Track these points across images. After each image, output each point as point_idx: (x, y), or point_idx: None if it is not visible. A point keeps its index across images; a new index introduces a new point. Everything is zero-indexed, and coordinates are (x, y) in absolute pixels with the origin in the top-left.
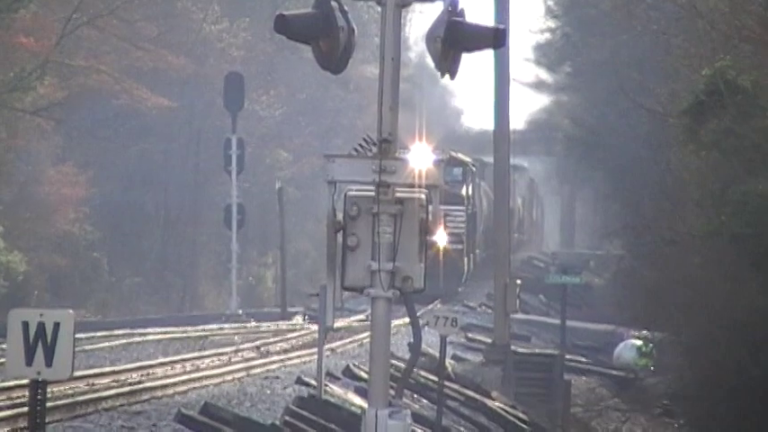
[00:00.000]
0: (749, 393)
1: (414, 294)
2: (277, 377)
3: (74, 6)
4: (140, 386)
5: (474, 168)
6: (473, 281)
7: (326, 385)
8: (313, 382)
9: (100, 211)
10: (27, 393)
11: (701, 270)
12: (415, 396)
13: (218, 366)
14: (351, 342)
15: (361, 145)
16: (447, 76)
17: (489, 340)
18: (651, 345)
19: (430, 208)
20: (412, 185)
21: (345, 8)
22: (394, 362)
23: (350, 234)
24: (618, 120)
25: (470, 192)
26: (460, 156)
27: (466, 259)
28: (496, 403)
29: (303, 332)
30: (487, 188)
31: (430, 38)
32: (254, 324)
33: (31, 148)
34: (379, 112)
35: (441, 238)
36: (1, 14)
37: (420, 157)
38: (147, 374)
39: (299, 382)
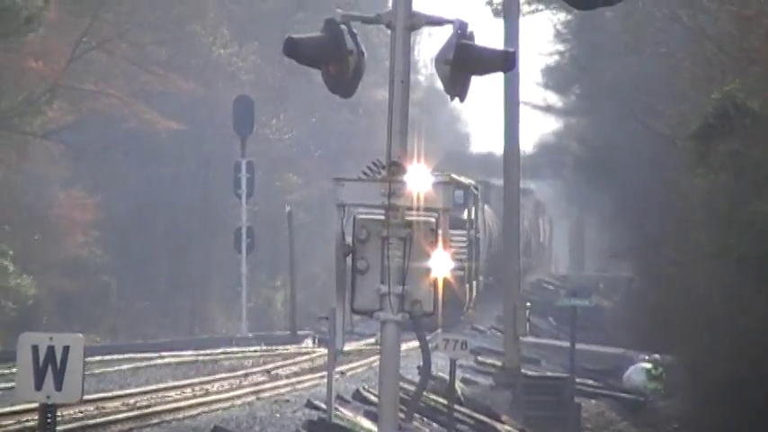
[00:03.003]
0: (756, 413)
1: (423, 318)
2: (287, 401)
3: (83, 30)
4: (150, 410)
5: (476, 191)
6: (481, 304)
7: (336, 409)
8: (323, 406)
9: (109, 235)
10: (37, 417)
11: (708, 291)
12: (425, 419)
13: (228, 390)
14: (360, 365)
15: (370, 168)
16: (456, 99)
17: (499, 363)
18: (661, 368)
19: (439, 232)
20: (420, 208)
21: (355, 31)
22: (404, 385)
23: (359, 257)
24: (626, 142)
25: (473, 216)
26: (462, 178)
27: (467, 286)
28: (506, 427)
29: (313, 355)
30: (492, 212)
31: (439, 61)
32: (263, 347)
33: (41, 172)
34: (389, 135)
35: (440, 263)
36: (10, 38)
37: (419, 179)
38: (157, 398)
39: (309, 405)
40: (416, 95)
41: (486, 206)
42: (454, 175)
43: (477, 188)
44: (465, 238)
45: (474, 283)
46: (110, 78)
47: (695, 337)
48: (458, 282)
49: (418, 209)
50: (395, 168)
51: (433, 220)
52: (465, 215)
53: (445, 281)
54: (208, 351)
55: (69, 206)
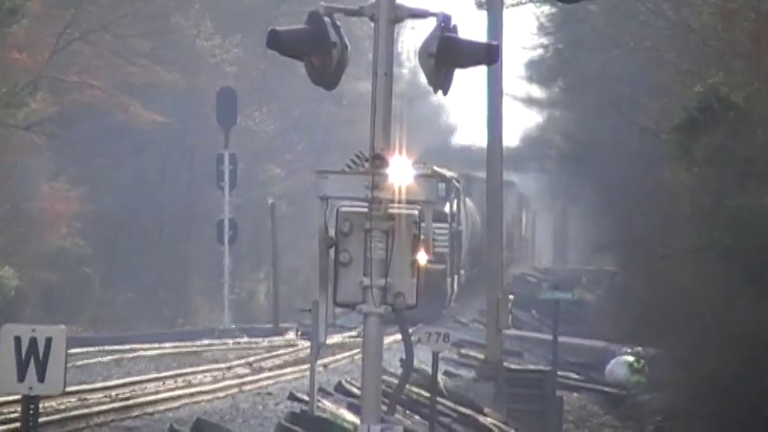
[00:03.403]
0: (742, 407)
1: (406, 311)
2: (270, 393)
3: (67, 22)
4: (132, 402)
5: (458, 184)
6: (464, 297)
7: (319, 401)
8: (305, 398)
9: (92, 227)
10: (19, 409)
11: (693, 284)
12: (407, 412)
13: (211, 382)
14: (343, 358)
15: (353, 161)
16: (440, 91)
17: (482, 356)
18: (643, 361)
19: (422, 225)
20: (403, 201)
21: (338, 24)
22: (386, 378)
23: (342, 250)
24: (610, 136)
25: (454, 209)
26: (444, 171)
27: (449, 280)
28: (489, 419)
29: (296, 348)
30: (473, 205)
31: (422, 54)
32: (246, 340)
33: (24, 164)
34: (372, 128)
35: (421, 256)
36: None
37: (400, 172)
38: (139, 390)
39: (292, 398)
40: (399, 87)
41: (467, 199)
42: (436, 168)
43: (458, 181)
44: (447, 232)
45: (456, 276)
46: (93, 70)
47: (679, 331)
48: (440, 275)
49: (401, 201)
50: (378, 161)
51: (416, 212)
52: (447, 208)
53: (427, 273)
54: (190, 343)
55: (53, 198)
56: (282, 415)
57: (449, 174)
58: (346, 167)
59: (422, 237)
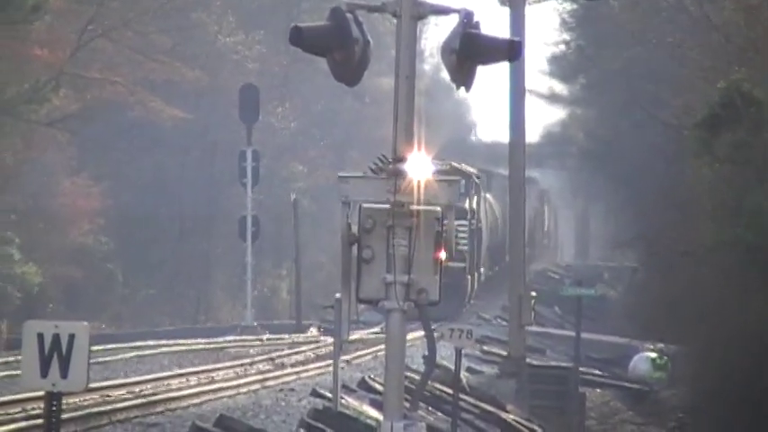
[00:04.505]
0: (764, 403)
1: (429, 307)
2: (292, 389)
3: (88, 19)
4: (155, 398)
5: (478, 180)
6: (485, 294)
7: (342, 397)
8: (328, 395)
9: (114, 223)
10: (42, 405)
11: (714, 281)
12: (430, 408)
13: (233, 378)
14: (366, 354)
15: (375, 164)
16: (462, 88)
17: (504, 353)
18: (666, 357)
19: (445, 222)
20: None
21: (360, 20)
22: (409, 374)
23: (365, 247)
24: (632, 132)
25: (474, 205)
26: (463, 166)
27: (469, 278)
28: (511, 416)
29: (318, 344)
30: (494, 201)
31: (445, 50)
32: (268, 336)
33: (46, 160)
34: (395, 131)
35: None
36: (16, 26)
37: (418, 168)
38: (162, 386)
39: (314, 394)
40: (422, 83)
41: (488, 195)
42: (455, 164)
43: (478, 177)
44: (466, 229)
45: (475, 274)
46: (115, 66)
47: (699, 327)
48: (459, 272)
49: (421, 204)
50: (400, 166)
51: (438, 209)
52: (466, 205)
53: (447, 270)
54: (212, 339)
55: (74, 194)
56: (305, 411)
57: (468, 170)
58: (369, 170)
59: (444, 235)
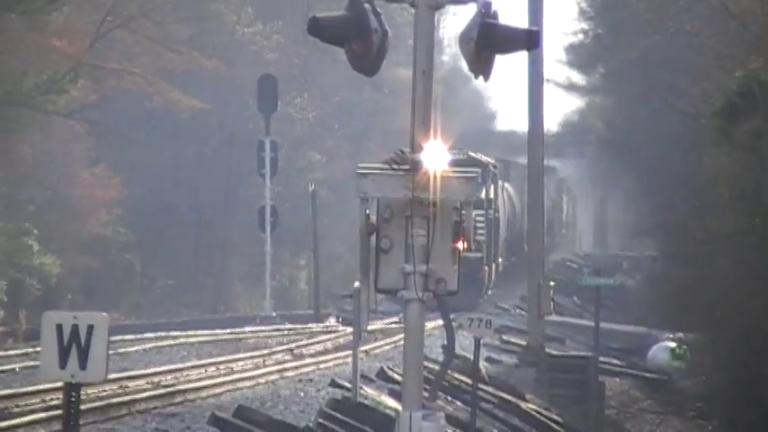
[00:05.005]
0: None
1: (447, 297)
2: (311, 380)
3: (107, 9)
4: (174, 389)
5: (495, 169)
6: (504, 283)
7: (361, 388)
8: (347, 385)
9: (133, 214)
10: (61, 396)
11: (732, 270)
12: (449, 398)
13: (252, 369)
14: (384, 344)
15: (393, 160)
16: (480, 77)
17: (523, 342)
18: (685, 347)
19: (463, 213)
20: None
21: (378, 10)
22: (428, 364)
23: (383, 236)
24: (650, 121)
25: (491, 195)
26: (480, 156)
27: (486, 269)
28: (530, 405)
29: (337, 334)
30: (511, 190)
31: (463, 40)
32: (287, 326)
33: (65, 151)
34: (412, 127)
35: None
36: (34, 17)
37: (435, 157)
38: (181, 377)
39: (333, 384)
40: (440, 73)
41: (506, 185)
42: (472, 153)
43: (495, 167)
44: (483, 219)
45: (493, 264)
46: (133, 57)
47: (719, 316)
48: (477, 263)
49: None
50: (417, 157)
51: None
52: (483, 194)
53: (464, 261)
54: (231, 330)
55: (93, 185)
56: (324, 401)
57: (485, 159)
58: (386, 164)
59: (462, 227)
